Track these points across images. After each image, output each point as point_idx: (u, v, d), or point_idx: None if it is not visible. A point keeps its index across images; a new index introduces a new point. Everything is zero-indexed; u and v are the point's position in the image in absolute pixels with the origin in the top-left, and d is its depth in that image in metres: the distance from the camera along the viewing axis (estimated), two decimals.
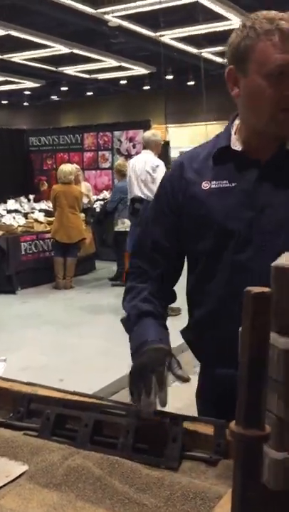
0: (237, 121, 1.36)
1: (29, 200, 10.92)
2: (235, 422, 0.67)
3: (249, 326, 0.66)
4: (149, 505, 0.93)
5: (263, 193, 1.27)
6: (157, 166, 5.98)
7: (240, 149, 1.32)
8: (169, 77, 16.53)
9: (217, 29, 11.31)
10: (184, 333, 1.47)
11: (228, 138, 1.35)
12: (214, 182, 1.32)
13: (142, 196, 6.02)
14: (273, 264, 0.88)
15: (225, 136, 1.36)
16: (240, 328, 0.77)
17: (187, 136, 17.56)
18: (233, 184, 1.30)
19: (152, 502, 0.93)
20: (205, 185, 1.33)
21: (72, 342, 5.37)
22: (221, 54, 13.85)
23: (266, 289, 0.66)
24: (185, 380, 1.15)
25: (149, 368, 1.14)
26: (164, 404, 1.08)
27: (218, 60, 14.28)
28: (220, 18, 10.42)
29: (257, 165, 1.29)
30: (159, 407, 1.11)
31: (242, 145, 1.32)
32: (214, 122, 17.65)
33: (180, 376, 1.15)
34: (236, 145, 1.33)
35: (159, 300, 1.40)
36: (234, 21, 10.36)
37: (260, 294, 0.66)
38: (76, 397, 1.27)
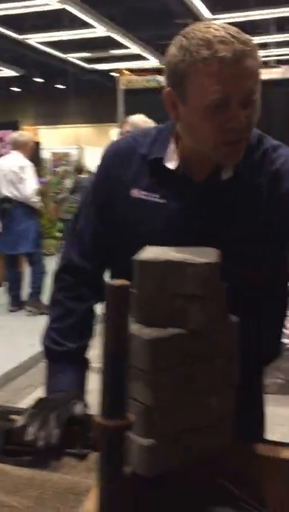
0: (177, 127, 1.26)
1: None
2: (99, 414, 0.68)
3: (111, 318, 0.68)
4: (18, 506, 0.91)
5: (194, 215, 1.24)
6: (25, 167, 5.93)
7: (175, 165, 1.26)
8: (39, 79, 16.33)
9: (83, 36, 11.38)
10: None
11: (165, 147, 1.28)
12: (145, 193, 1.27)
13: (10, 196, 5.95)
14: (135, 257, 0.90)
15: (162, 143, 1.29)
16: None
17: (59, 138, 17.43)
18: (163, 201, 1.26)
19: (22, 503, 0.92)
20: (135, 193, 1.28)
21: None
22: (87, 60, 13.94)
23: (126, 282, 0.68)
24: (81, 417, 1.10)
25: (52, 404, 1.12)
26: (53, 441, 1.03)
27: (85, 65, 14.35)
28: (86, 25, 10.49)
29: (191, 185, 1.25)
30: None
31: (178, 159, 1.26)
32: (84, 125, 17.73)
33: (78, 414, 1.10)
34: (173, 157, 1.27)
35: (88, 319, 1.36)
36: (98, 29, 10.47)
37: (121, 287, 0.68)
38: None
